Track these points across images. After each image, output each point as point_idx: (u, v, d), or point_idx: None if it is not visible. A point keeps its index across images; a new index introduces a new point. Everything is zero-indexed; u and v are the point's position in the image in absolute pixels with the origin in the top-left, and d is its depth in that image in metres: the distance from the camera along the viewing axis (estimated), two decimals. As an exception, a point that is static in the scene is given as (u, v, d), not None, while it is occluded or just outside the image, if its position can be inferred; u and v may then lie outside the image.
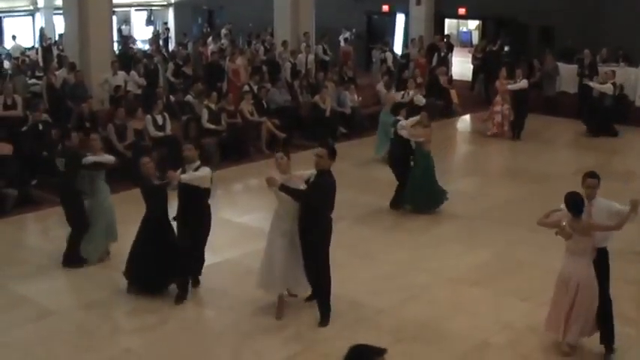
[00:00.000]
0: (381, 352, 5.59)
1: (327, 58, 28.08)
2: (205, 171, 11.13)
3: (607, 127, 21.24)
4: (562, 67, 24.67)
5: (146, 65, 23.32)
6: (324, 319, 10.11)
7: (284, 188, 9.94)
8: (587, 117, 21.76)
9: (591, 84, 21.94)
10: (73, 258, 12.12)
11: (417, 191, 14.76)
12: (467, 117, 25.22)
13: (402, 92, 21.45)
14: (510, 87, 20.99)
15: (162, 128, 17.77)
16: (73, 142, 12.48)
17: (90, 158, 12.08)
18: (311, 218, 9.96)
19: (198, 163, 11.04)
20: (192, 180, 10.89)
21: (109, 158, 12.43)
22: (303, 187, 10.14)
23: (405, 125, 14.92)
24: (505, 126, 21.30)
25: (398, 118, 15.75)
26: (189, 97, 20.12)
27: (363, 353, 5.55)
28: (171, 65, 24.22)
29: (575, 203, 9.08)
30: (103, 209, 12.25)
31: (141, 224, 11.20)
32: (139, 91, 21.33)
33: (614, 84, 21.57)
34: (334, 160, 10.08)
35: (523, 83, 21.02)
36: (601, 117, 21.30)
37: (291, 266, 10.17)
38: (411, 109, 17.68)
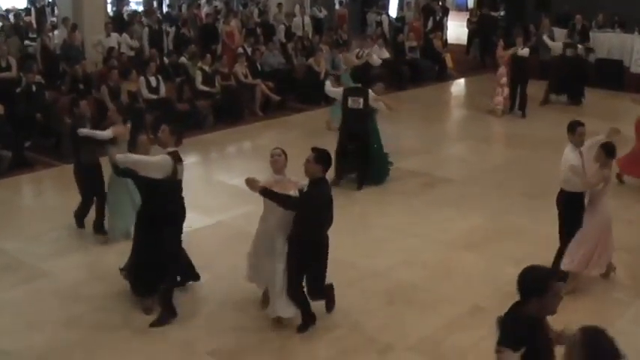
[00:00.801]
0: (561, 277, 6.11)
1: (321, 15, 27.96)
2: (156, 158, 9.27)
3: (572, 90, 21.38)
4: (557, 31, 24.55)
5: (150, 27, 23.14)
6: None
7: (266, 193, 8.62)
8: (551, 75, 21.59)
9: (544, 38, 22.01)
10: (97, 227, 11.97)
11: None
12: (461, 81, 25.21)
13: (358, 50, 21.25)
14: (520, 53, 19.73)
15: (156, 90, 17.70)
16: (80, 110, 11.90)
17: (83, 130, 11.52)
18: (302, 233, 8.73)
19: (167, 150, 9.34)
20: (127, 162, 9.26)
21: (102, 134, 11.41)
22: (294, 193, 8.78)
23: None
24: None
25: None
26: (183, 59, 20.07)
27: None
28: (173, 29, 24.07)
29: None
30: (123, 184, 11.31)
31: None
32: (132, 53, 21.24)
33: (569, 44, 21.43)
34: (325, 166, 8.79)
35: (525, 51, 20.07)
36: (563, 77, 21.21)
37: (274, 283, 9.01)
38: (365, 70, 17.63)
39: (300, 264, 8.82)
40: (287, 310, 8.97)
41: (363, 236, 11.87)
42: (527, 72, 20.47)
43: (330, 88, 14.85)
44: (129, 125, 11.83)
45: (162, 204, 9.25)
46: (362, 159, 14.28)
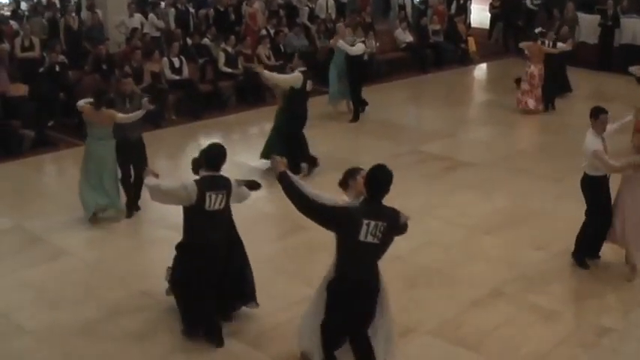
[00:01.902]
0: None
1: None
2: (175, 186, 8.36)
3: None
4: (581, 17, 24.33)
5: (176, 7, 23.03)
6: None
7: (284, 178, 7.36)
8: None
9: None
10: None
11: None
12: (484, 65, 25.04)
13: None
14: (554, 50, 18.45)
15: (179, 71, 17.71)
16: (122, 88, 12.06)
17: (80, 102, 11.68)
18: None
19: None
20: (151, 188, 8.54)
21: (139, 114, 11.66)
22: (328, 202, 7.28)
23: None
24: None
25: None
26: (206, 40, 20.04)
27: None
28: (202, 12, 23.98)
29: None
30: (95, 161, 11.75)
31: None
32: (158, 34, 21.20)
33: None
34: (371, 189, 7.23)
35: (567, 45, 18.77)
36: None
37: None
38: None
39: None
40: None
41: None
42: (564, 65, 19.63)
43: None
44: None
45: (193, 233, 8.39)
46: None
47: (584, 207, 10.27)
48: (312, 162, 13.93)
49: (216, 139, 15.39)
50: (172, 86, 17.31)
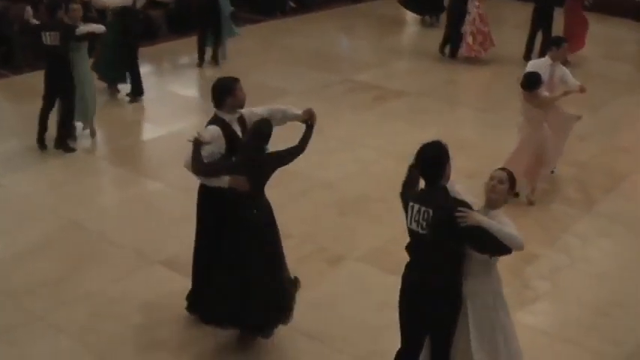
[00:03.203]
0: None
1: None
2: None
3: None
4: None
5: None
6: None
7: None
8: None
9: None
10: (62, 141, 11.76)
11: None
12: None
13: None
14: None
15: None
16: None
17: (83, 29, 11.39)
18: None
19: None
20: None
21: (100, 28, 11.82)
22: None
23: None
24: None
25: None
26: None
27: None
28: None
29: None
30: (87, 80, 11.93)
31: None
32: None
33: None
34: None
35: None
36: None
37: None
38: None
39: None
40: None
41: (315, 147, 11.82)
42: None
43: None
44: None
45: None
46: None
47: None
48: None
49: (147, 69, 15.40)
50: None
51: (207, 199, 7.22)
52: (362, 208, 10.18)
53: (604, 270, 8.94)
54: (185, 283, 8.15)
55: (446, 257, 5.80)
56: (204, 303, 7.30)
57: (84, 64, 11.85)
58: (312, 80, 15.11)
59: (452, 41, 17.03)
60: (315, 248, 9.05)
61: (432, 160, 6.05)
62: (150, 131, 12.41)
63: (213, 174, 6.82)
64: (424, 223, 5.79)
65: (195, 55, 16.06)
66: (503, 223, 5.59)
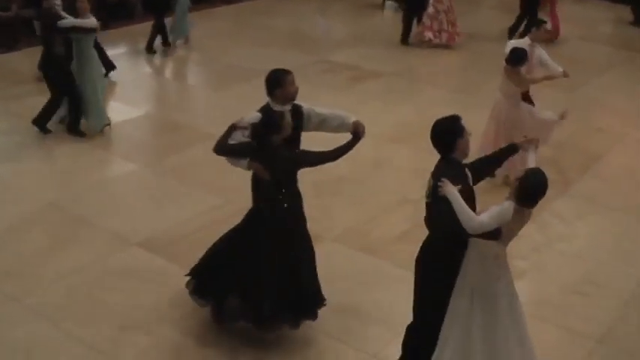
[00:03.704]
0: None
1: None
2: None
3: None
4: None
5: None
6: None
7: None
8: None
9: None
10: (41, 124, 11.49)
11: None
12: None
13: None
14: None
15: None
16: (79, 5, 11.14)
17: (67, 21, 10.89)
18: None
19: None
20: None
21: (91, 22, 11.10)
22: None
23: None
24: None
25: None
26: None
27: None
28: None
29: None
30: (91, 79, 11.38)
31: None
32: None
33: None
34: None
35: None
36: None
37: None
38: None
39: None
40: None
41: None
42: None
43: None
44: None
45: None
46: None
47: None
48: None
49: (122, 49, 15.34)
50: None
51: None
52: (338, 189, 10.18)
53: (580, 250, 9.01)
54: (162, 264, 8.17)
55: (445, 228, 5.89)
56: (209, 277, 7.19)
57: (86, 59, 11.36)
58: (288, 61, 14.96)
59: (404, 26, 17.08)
60: (292, 229, 9.02)
61: (440, 134, 6.12)
62: (125, 113, 12.34)
63: (227, 153, 6.85)
64: (427, 193, 6.00)
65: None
66: (493, 209, 5.66)
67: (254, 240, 6.90)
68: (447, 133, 6.04)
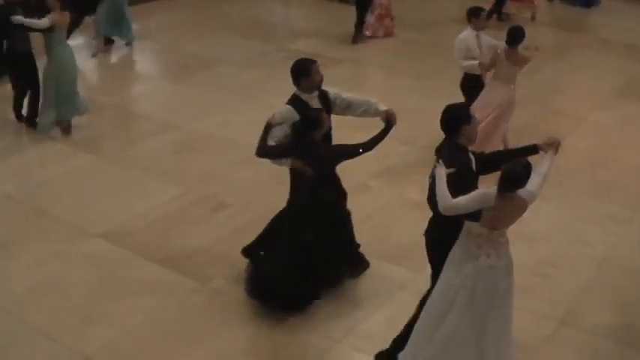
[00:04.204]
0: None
1: None
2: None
3: None
4: None
5: None
6: None
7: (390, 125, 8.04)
8: None
9: None
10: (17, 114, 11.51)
11: None
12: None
13: None
14: None
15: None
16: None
17: (18, 18, 10.63)
18: None
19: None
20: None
21: (40, 23, 10.61)
22: None
23: None
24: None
25: None
26: None
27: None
28: None
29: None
30: (55, 75, 11.08)
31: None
32: None
33: None
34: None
35: None
36: None
37: None
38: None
39: None
40: None
41: (250, 116, 11.81)
42: None
43: None
44: (67, 13, 11.01)
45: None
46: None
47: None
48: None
49: (81, 40, 15.20)
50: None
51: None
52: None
53: (538, 232, 9.07)
54: (123, 255, 8.15)
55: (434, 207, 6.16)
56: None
57: (53, 55, 11.05)
58: (249, 49, 15.06)
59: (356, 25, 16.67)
60: (253, 217, 9.01)
61: (447, 118, 6.37)
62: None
63: (269, 156, 7.23)
64: (430, 173, 6.28)
65: (142, 24, 15.87)
66: (476, 192, 5.95)
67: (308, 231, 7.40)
68: (454, 118, 6.31)
